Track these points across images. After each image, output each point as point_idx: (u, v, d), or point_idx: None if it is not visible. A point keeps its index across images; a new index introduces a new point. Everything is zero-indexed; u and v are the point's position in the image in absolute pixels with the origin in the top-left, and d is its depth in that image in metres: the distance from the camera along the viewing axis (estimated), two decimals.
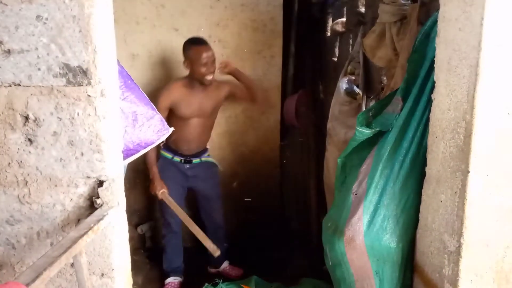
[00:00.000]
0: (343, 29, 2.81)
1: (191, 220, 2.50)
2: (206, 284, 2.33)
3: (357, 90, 2.35)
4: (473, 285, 1.26)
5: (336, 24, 2.94)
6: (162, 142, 2.64)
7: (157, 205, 2.80)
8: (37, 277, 0.90)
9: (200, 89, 2.57)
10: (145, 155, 2.46)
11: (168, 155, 2.69)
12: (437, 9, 1.35)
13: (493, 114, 1.16)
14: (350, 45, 2.66)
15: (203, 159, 2.75)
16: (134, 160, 1.72)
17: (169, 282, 2.69)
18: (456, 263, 1.25)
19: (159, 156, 2.71)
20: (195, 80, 2.54)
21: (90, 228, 1.12)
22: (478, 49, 1.12)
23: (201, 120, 2.64)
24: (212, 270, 2.90)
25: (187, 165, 2.70)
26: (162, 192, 2.56)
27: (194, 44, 2.50)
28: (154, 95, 2.89)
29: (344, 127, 2.27)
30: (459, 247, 1.24)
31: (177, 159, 2.69)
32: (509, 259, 1.26)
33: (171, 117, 2.57)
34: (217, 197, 2.83)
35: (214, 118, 2.76)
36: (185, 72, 2.67)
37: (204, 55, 2.45)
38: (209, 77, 2.50)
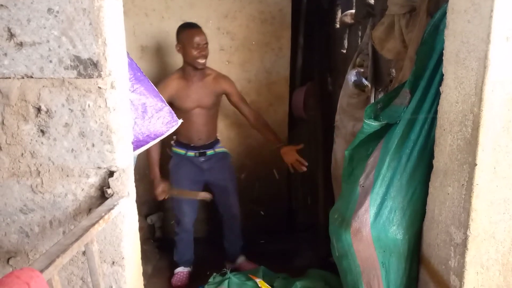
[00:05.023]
0: (352, 21, 2.79)
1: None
2: (215, 274, 2.37)
3: (365, 82, 2.35)
4: (479, 277, 1.26)
5: (345, 15, 2.92)
6: (173, 140, 2.68)
7: (170, 201, 2.79)
8: (50, 263, 0.93)
9: (197, 78, 2.55)
10: (148, 154, 2.51)
11: (181, 151, 2.68)
12: (447, 1, 1.34)
13: (501, 107, 1.16)
14: (359, 37, 2.65)
15: (216, 150, 2.74)
16: (144, 151, 1.74)
17: (178, 272, 2.74)
18: (462, 255, 1.26)
19: (168, 155, 2.73)
20: (189, 67, 2.52)
21: (101, 217, 1.14)
22: (487, 42, 1.12)
23: (204, 110, 2.62)
24: (229, 265, 2.88)
25: (202, 158, 2.68)
26: (162, 192, 2.57)
27: (186, 28, 2.51)
28: None
29: (352, 120, 2.27)
30: (465, 239, 1.24)
31: (191, 153, 2.67)
32: None
33: (175, 110, 2.57)
34: (233, 189, 2.81)
35: (217, 108, 2.73)
36: None
37: (196, 38, 2.45)
38: (201, 61, 2.48)
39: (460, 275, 1.28)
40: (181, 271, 2.74)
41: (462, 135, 1.24)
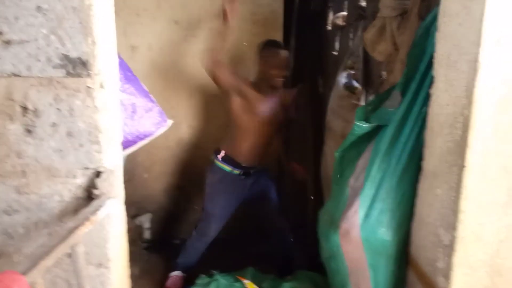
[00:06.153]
0: (344, 23, 2.80)
1: None
2: (202, 275, 2.35)
3: (356, 84, 2.35)
4: (466, 278, 1.27)
5: (336, 18, 2.93)
6: (221, 155, 2.55)
7: (202, 213, 2.68)
8: (34, 266, 0.91)
9: (270, 93, 2.52)
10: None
11: (227, 168, 2.56)
12: (438, 4, 1.35)
13: (491, 110, 1.16)
14: (350, 39, 2.65)
15: (258, 167, 2.66)
16: (133, 151, 1.72)
17: (174, 275, 2.67)
18: (450, 256, 1.26)
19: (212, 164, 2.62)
20: (263, 82, 2.50)
21: (88, 219, 1.12)
22: (478, 45, 1.12)
23: (271, 128, 2.57)
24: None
25: (244, 176, 2.60)
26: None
27: (272, 46, 2.53)
28: (153, 88, 2.88)
29: (342, 121, 2.28)
30: (453, 240, 1.25)
31: (236, 171, 2.57)
32: (503, 253, 1.27)
33: (241, 123, 2.50)
34: (275, 199, 2.72)
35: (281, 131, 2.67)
36: (187, 67, 2.74)
37: (282, 57, 2.48)
38: (279, 79, 2.49)
39: (448, 276, 1.28)
40: (178, 275, 2.68)
41: (452, 137, 1.25)
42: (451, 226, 1.25)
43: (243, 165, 2.56)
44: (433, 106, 1.36)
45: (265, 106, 2.50)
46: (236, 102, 2.47)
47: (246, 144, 2.52)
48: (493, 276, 1.28)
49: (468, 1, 1.17)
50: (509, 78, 1.15)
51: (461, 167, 1.20)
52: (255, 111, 2.48)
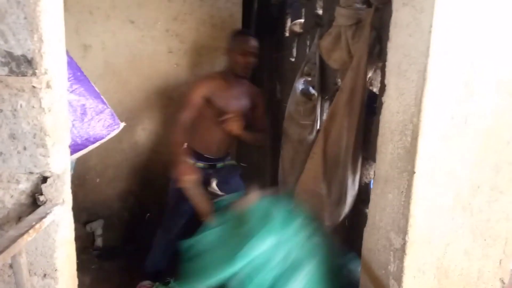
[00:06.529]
0: (301, 30, 2.84)
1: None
2: (157, 283, 2.30)
3: (312, 91, 2.39)
4: (416, 281, 1.32)
5: (294, 25, 2.97)
6: (184, 147, 2.45)
7: (166, 209, 2.61)
8: None
9: (236, 84, 2.49)
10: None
11: (189, 161, 2.49)
12: (390, 16, 1.39)
13: (438, 118, 1.22)
14: (307, 46, 2.70)
15: (226, 162, 2.63)
16: (84, 155, 1.65)
17: (143, 285, 2.56)
18: (401, 259, 1.30)
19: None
20: (230, 72, 2.48)
21: (32, 227, 1.06)
22: (426, 55, 1.17)
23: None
24: None
25: (211, 171, 2.54)
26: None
27: (242, 33, 2.56)
28: (106, 89, 2.79)
29: (298, 127, 2.30)
30: (404, 244, 1.29)
31: (200, 164, 2.51)
32: (449, 256, 1.33)
33: (206, 114, 2.44)
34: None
35: (245, 121, 2.57)
36: (143, 68, 2.70)
37: (251, 43, 2.45)
38: (244, 68, 2.46)
39: (399, 280, 1.32)
40: (146, 285, 2.55)
41: (402, 144, 1.29)
42: (402, 230, 1.29)
43: (206, 155, 2.52)
44: (385, 113, 1.41)
45: (229, 98, 2.47)
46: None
47: (209, 134, 2.48)
48: (440, 278, 1.34)
49: (418, 13, 1.21)
50: (456, 87, 1.20)
51: (411, 172, 1.25)
52: (224, 102, 2.45)
